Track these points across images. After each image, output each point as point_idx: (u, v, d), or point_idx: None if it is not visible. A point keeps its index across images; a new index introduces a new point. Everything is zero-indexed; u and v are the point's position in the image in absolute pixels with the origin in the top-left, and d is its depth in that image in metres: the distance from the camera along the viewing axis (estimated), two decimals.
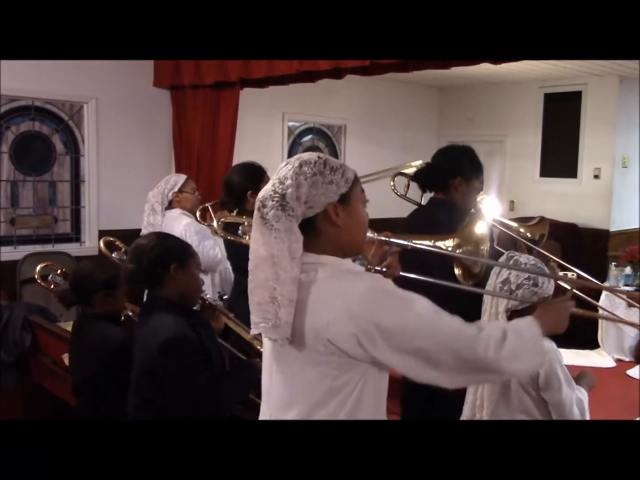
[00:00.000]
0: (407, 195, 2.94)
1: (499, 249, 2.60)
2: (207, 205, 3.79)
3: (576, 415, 1.96)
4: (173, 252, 2.16)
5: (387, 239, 1.67)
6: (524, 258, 2.06)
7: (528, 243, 2.66)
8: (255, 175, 3.07)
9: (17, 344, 3.91)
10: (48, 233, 5.16)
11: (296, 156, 1.47)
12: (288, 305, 1.35)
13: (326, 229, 1.43)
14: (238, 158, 5.25)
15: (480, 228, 1.86)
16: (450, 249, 1.78)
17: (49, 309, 4.28)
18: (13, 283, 4.73)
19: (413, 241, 1.69)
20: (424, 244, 1.74)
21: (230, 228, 2.44)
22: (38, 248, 5.01)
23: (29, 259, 4.82)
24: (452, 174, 2.56)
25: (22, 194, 5.03)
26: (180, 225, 3.65)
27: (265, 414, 1.53)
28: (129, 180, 5.31)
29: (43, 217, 5.15)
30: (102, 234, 5.17)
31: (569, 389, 1.98)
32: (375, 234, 1.62)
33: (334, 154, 7.22)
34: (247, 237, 1.90)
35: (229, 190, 3.10)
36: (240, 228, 1.90)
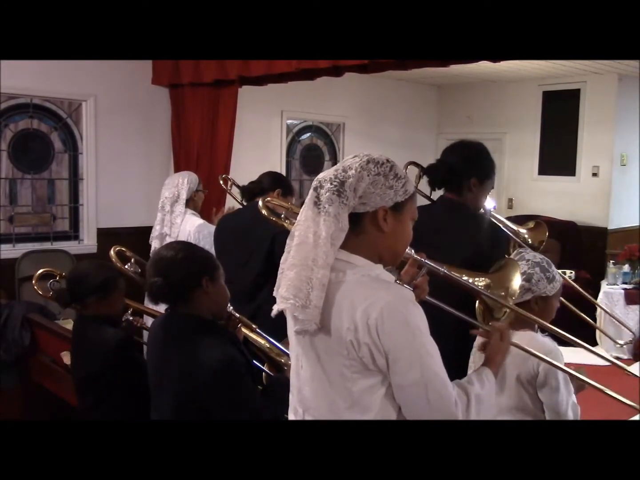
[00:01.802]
0: (417, 188, 2.86)
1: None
2: (227, 177, 4.01)
3: (570, 419, 1.97)
4: (203, 263, 2.02)
5: (422, 259, 1.66)
6: (531, 255, 2.10)
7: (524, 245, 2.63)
8: (289, 186, 3.24)
9: (16, 343, 3.91)
10: (47, 231, 5.15)
11: (366, 152, 1.49)
12: (320, 290, 1.37)
13: (369, 230, 1.45)
14: (237, 156, 5.27)
15: (516, 280, 1.85)
16: (481, 287, 1.77)
17: (48, 307, 4.28)
18: (12, 281, 4.72)
19: (446, 269, 1.70)
20: (456, 275, 1.73)
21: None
22: (37, 246, 5.01)
23: (28, 257, 4.82)
24: (467, 175, 2.46)
25: (20, 192, 5.02)
26: (193, 226, 3.66)
27: (297, 413, 1.55)
28: (128, 179, 5.30)
29: (42, 215, 5.15)
30: (100, 231, 5.19)
31: (567, 391, 1.98)
32: (413, 251, 1.62)
33: (333, 152, 7.22)
34: (287, 222, 1.89)
35: (261, 179, 3.20)
36: (283, 213, 1.89)
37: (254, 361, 2.17)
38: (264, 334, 2.29)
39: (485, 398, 1.48)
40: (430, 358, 1.38)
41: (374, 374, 1.39)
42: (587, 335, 5.35)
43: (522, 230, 2.65)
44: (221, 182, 4.14)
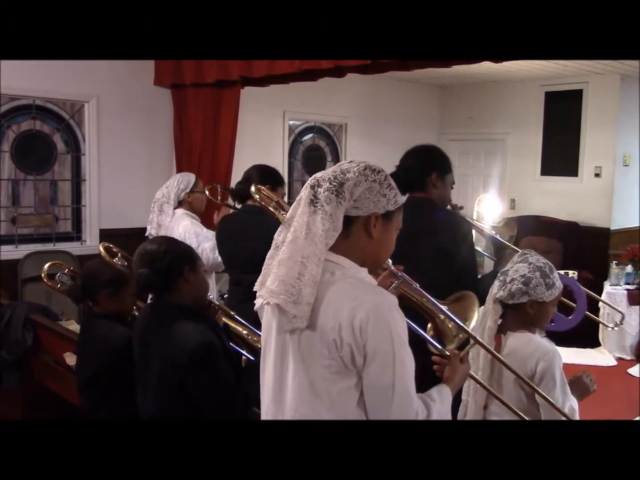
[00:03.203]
0: None
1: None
2: (216, 185, 3.88)
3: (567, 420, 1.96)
4: (184, 255, 2.17)
5: (398, 272, 1.73)
6: (534, 258, 2.09)
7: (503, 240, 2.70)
8: (277, 178, 3.16)
9: (18, 343, 3.91)
10: (49, 232, 5.16)
11: (362, 160, 1.53)
12: (312, 287, 1.40)
13: (359, 234, 1.48)
14: (239, 157, 5.27)
15: (475, 316, 1.87)
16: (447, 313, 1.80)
17: (50, 307, 4.29)
18: (14, 282, 4.74)
19: (418, 286, 1.76)
20: (425, 294, 1.78)
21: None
22: (39, 247, 5.02)
23: (30, 258, 4.83)
24: (427, 171, 2.58)
25: (23, 193, 5.03)
26: (180, 226, 3.67)
27: (272, 414, 1.53)
28: (130, 179, 5.31)
29: (44, 216, 5.16)
30: (103, 232, 5.19)
31: (562, 394, 1.97)
32: (390, 262, 1.68)
33: (335, 152, 7.22)
34: (278, 213, 1.92)
35: (249, 177, 3.13)
36: (272, 204, 1.93)
37: (234, 346, 2.31)
38: (243, 321, 2.39)
39: (444, 416, 1.53)
40: (404, 368, 1.40)
41: (351, 374, 1.41)
42: (591, 335, 5.36)
43: (488, 227, 2.73)
44: (208, 193, 3.89)
